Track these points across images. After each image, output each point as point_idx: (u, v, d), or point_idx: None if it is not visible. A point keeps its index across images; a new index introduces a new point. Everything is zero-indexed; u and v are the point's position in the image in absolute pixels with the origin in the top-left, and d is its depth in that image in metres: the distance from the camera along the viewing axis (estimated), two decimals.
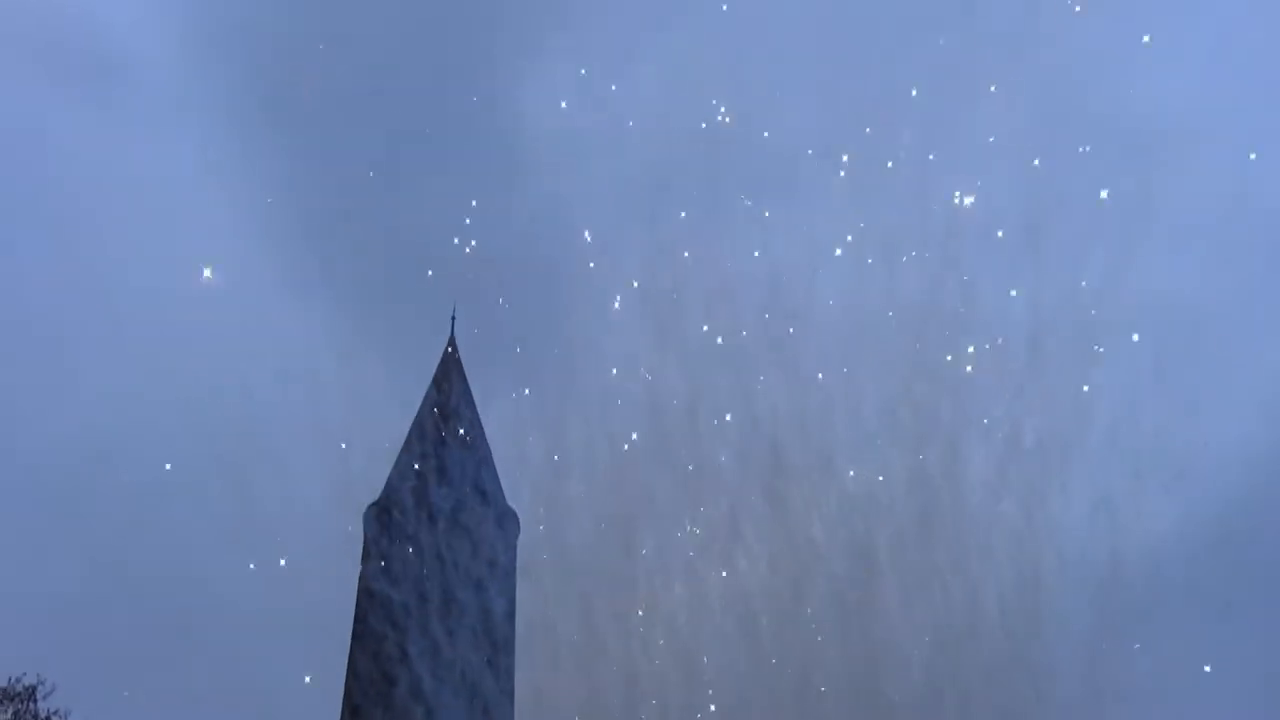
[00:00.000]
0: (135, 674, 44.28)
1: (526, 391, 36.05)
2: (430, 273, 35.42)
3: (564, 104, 39.97)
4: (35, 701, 29.35)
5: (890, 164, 32.17)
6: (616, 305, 34.90)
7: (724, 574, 31.85)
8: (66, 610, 46.11)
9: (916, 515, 32.72)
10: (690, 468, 33.41)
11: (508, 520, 38.29)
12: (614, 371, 34.98)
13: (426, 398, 39.03)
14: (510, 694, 36.06)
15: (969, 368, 31.95)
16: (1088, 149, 32.01)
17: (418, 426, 38.56)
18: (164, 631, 45.50)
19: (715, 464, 34.18)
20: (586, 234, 35.61)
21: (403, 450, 38.51)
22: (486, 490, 37.75)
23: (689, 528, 32.80)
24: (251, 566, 34.09)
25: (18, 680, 29.51)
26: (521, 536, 39.45)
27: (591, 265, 34.83)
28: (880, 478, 32.76)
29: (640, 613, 31.10)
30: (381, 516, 38.48)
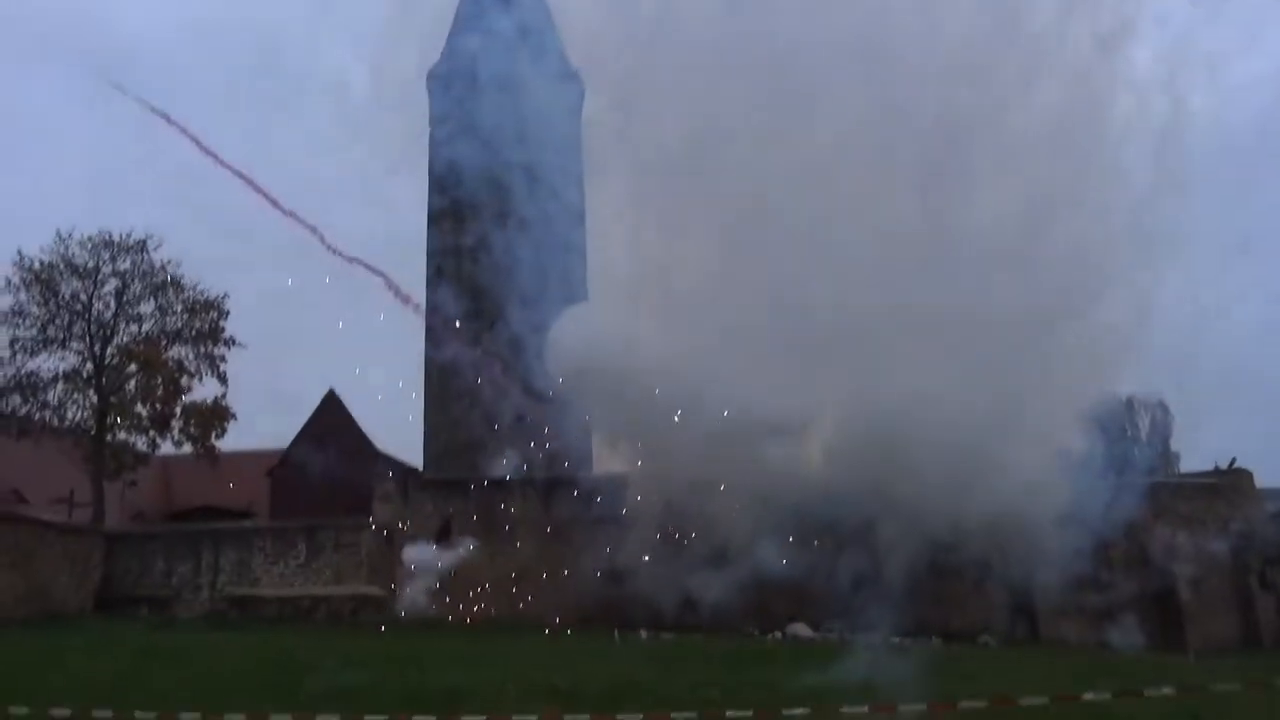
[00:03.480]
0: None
1: None
2: None
3: None
4: (147, 253, 32.13)
5: None
6: None
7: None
8: None
9: None
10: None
11: (569, 84, 37.30)
12: None
13: None
14: (583, 259, 37.90)
15: None
16: None
17: None
18: None
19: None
20: None
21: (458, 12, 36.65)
22: (546, 52, 36.20)
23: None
24: None
25: (128, 235, 32.10)
26: (587, 104, 38.73)
27: None
28: None
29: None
30: (443, 83, 37.87)
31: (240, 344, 32.84)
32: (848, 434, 26.66)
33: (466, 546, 28.71)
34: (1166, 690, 11.39)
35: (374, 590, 27.92)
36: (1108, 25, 27.54)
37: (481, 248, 36.56)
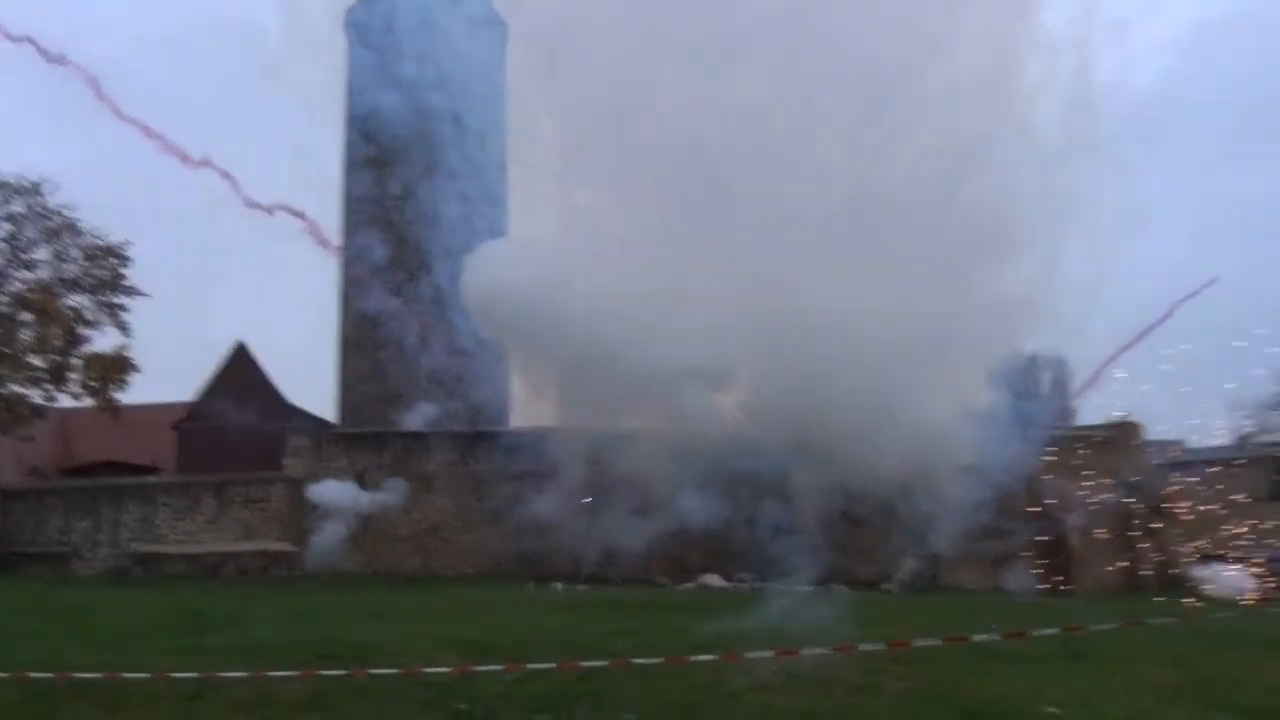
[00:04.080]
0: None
1: None
2: None
3: None
4: (42, 196, 30.29)
5: None
6: None
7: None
8: None
9: None
10: None
11: (492, 29, 36.37)
12: None
13: None
14: (503, 202, 37.28)
15: None
16: None
17: None
18: None
19: None
20: None
21: None
22: None
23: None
24: None
25: (21, 176, 30.22)
26: (511, 51, 37.82)
27: None
28: None
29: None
30: (361, 27, 36.50)
31: (143, 293, 31.48)
32: (767, 384, 27.09)
33: (397, 492, 28.29)
34: (1051, 630, 12.04)
35: (285, 546, 27.43)
36: None
37: (406, 196, 35.65)
